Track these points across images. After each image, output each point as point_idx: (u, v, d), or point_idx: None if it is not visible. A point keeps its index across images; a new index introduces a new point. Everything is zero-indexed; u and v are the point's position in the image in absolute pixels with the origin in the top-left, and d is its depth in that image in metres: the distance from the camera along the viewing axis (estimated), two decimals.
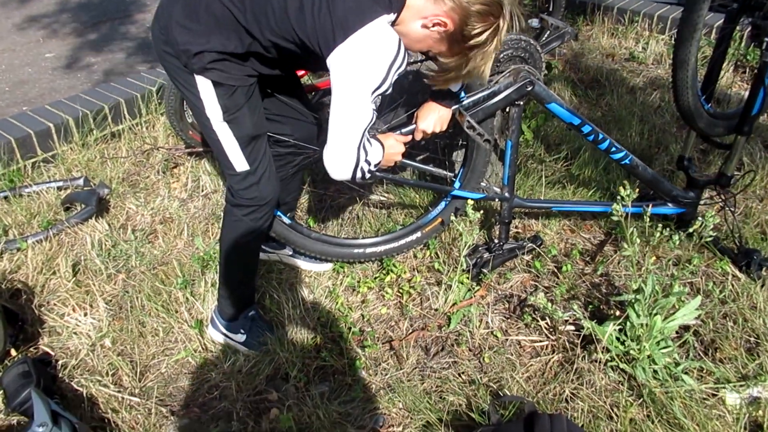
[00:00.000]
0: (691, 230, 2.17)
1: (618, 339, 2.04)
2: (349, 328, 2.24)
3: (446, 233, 2.59)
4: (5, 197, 2.89)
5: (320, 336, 2.21)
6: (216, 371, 2.11)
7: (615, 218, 2.01)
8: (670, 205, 2.53)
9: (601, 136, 2.32)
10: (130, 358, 2.17)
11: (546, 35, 4.00)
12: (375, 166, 1.87)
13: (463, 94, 2.22)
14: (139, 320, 2.29)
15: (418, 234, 2.50)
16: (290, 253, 2.52)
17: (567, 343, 2.12)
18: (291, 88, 2.15)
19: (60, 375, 2.10)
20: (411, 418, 1.92)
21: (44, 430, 1.67)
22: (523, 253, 2.51)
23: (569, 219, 2.73)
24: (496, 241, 2.44)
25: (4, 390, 1.92)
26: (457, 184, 2.45)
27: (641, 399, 1.92)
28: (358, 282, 2.45)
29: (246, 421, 1.94)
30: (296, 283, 2.46)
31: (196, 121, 1.93)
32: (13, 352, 2.14)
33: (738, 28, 2.53)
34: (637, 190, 2.07)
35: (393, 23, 1.65)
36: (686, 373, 1.99)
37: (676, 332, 2.11)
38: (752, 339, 2.14)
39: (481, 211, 2.33)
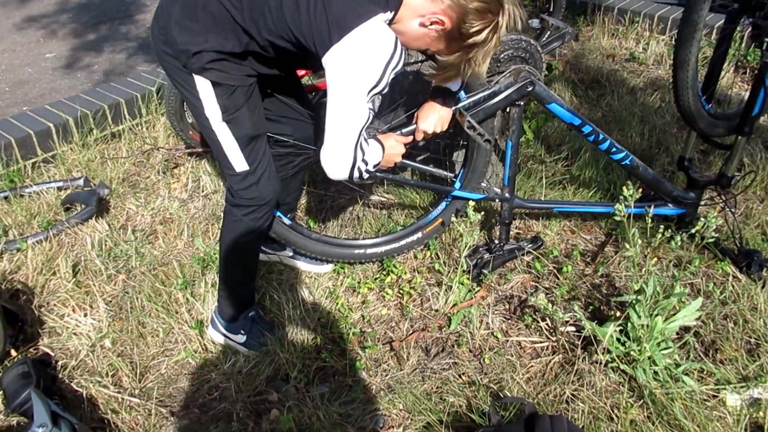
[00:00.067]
0: (693, 231, 2.17)
1: (618, 340, 2.04)
2: (350, 329, 2.24)
3: (447, 234, 2.59)
4: (5, 197, 2.89)
5: (320, 337, 2.21)
6: (216, 372, 2.11)
7: (617, 218, 2.01)
8: (670, 205, 2.53)
9: (601, 137, 2.32)
10: (130, 358, 2.17)
11: (546, 36, 4.01)
12: (374, 167, 1.87)
13: (463, 94, 2.22)
14: (139, 321, 2.29)
15: (419, 234, 2.50)
16: (290, 254, 2.52)
17: (567, 344, 2.12)
18: (291, 89, 2.15)
19: (60, 376, 2.09)
20: (411, 419, 1.92)
21: (44, 431, 1.67)
22: (524, 254, 2.51)
23: (570, 220, 2.73)
24: (496, 241, 2.44)
25: (4, 390, 1.92)
26: (457, 185, 2.45)
27: (642, 400, 1.92)
28: (359, 283, 2.45)
29: (246, 422, 1.94)
30: (296, 284, 2.46)
31: (196, 121, 1.93)
32: (13, 353, 2.14)
33: (738, 28, 2.53)
34: (640, 190, 2.07)
35: (391, 21, 1.65)
36: (687, 374, 1.99)
37: (677, 333, 2.11)
38: (753, 340, 2.14)
39: (482, 212, 2.32)
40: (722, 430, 1.82)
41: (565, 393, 1.95)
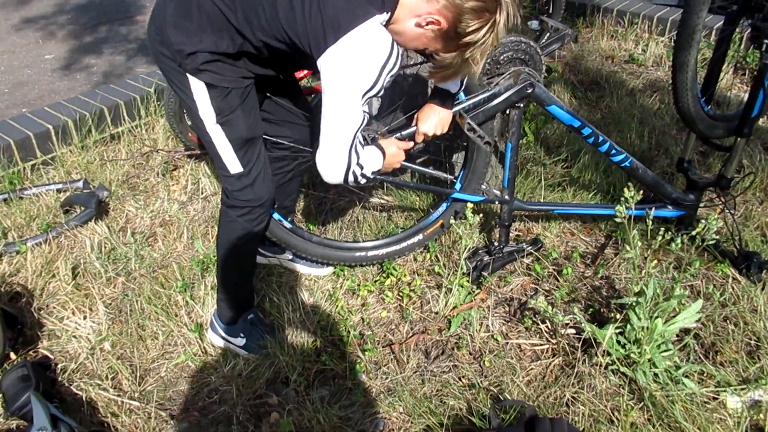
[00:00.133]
0: (693, 233, 2.17)
1: (619, 342, 2.04)
2: (349, 332, 2.23)
3: (446, 236, 2.59)
4: (5, 200, 2.89)
5: (320, 339, 2.21)
6: (216, 375, 2.11)
7: (618, 221, 2.01)
8: (670, 207, 2.53)
9: (601, 139, 2.32)
10: (130, 361, 2.16)
11: (546, 37, 4.00)
12: (373, 173, 1.87)
13: (463, 95, 2.22)
14: (139, 324, 2.28)
15: (420, 236, 2.50)
16: (290, 257, 2.52)
17: (567, 347, 2.12)
18: (289, 90, 2.15)
19: (59, 379, 2.09)
20: (411, 423, 1.92)
21: None
22: (524, 256, 2.50)
23: (569, 222, 2.73)
24: (496, 244, 2.44)
25: (4, 394, 1.91)
26: (457, 186, 2.45)
27: (642, 403, 1.92)
28: (358, 285, 2.44)
29: (246, 425, 1.94)
30: (296, 287, 2.46)
31: (191, 122, 1.92)
32: (13, 356, 2.14)
33: (737, 30, 2.53)
34: (640, 192, 2.07)
35: (388, 22, 1.64)
36: (687, 376, 1.99)
37: (677, 335, 2.11)
38: (753, 342, 2.14)
39: (481, 214, 2.32)
40: None
41: (565, 396, 1.95)
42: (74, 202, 2.84)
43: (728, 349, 2.11)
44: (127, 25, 5.31)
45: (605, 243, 2.63)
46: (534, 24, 4.29)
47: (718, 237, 2.32)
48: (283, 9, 1.60)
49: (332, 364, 2.11)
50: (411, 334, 2.25)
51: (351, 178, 1.78)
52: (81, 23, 5.33)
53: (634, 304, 2.00)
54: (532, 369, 2.08)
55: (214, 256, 2.51)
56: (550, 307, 2.10)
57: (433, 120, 2.10)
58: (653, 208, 2.24)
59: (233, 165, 1.87)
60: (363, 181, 1.83)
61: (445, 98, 2.11)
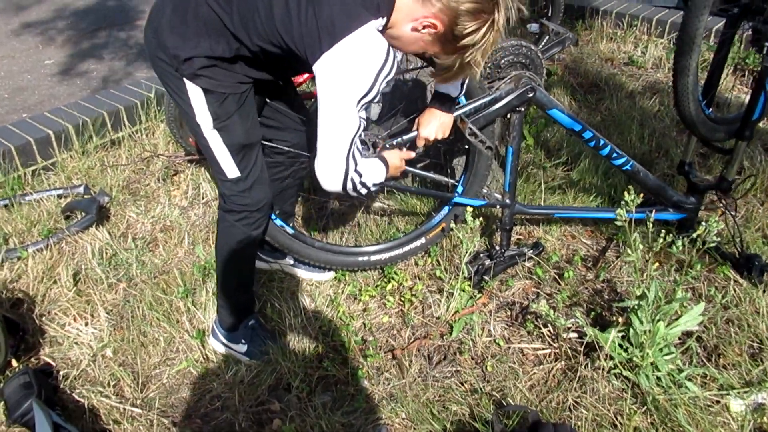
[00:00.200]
0: (694, 236, 2.17)
1: (621, 346, 2.04)
2: (351, 337, 2.23)
3: (447, 240, 2.59)
4: (5, 205, 2.89)
5: (322, 345, 2.20)
6: (218, 381, 2.11)
7: (618, 224, 2.00)
8: (671, 210, 2.53)
9: (602, 142, 2.32)
10: (132, 368, 2.16)
11: (545, 40, 4.00)
12: (375, 185, 1.86)
13: (463, 99, 2.22)
14: (141, 330, 2.28)
15: (422, 240, 2.50)
16: (291, 262, 2.51)
17: (570, 351, 2.11)
18: (286, 95, 2.14)
19: (61, 386, 2.09)
20: (414, 428, 1.91)
21: None
22: (525, 260, 2.50)
23: (570, 225, 2.73)
24: (497, 248, 2.44)
25: (5, 401, 1.91)
26: (459, 189, 2.45)
27: (645, 407, 1.91)
28: (360, 290, 2.44)
29: None
30: (298, 292, 2.46)
31: (188, 127, 1.92)
32: (14, 363, 2.14)
33: (738, 32, 2.53)
34: (641, 195, 2.07)
35: (385, 27, 1.63)
36: (690, 379, 1.99)
37: (679, 338, 2.10)
38: (756, 344, 2.14)
39: (481, 218, 2.32)
40: None
41: (568, 400, 1.95)
42: (75, 207, 2.84)
43: (731, 351, 2.10)
44: (126, 30, 5.31)
45: (606, 246, 2.63)
46: (533, 27, 4.29)
47: (719, 239, 2.33)
48: (279, 14, 1.59)
49: (334, 370, 2.11)
50: (413, 339, 2.24)
51: (350, 185, 1.77)
52: (80, 28, 5.34)
53: (636, 307, 2.00)
54: (534, 373, 2.08)
55: (215, 262, 2.51)
56: (552, 311, 2.10)
57: (434, 125, 2.10)
58: (654, 211, 2.24)
59: (230, 170, 1.87)
60: (364, 191, 1.82)
61: (446, 102, 2.11)
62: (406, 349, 2.20)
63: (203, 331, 2.27)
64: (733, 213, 2.57)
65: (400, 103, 2.55)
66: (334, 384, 2.09)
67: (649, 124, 3.42)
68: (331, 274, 2.52)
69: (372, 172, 1.85)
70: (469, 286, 2.37)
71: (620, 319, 2.10)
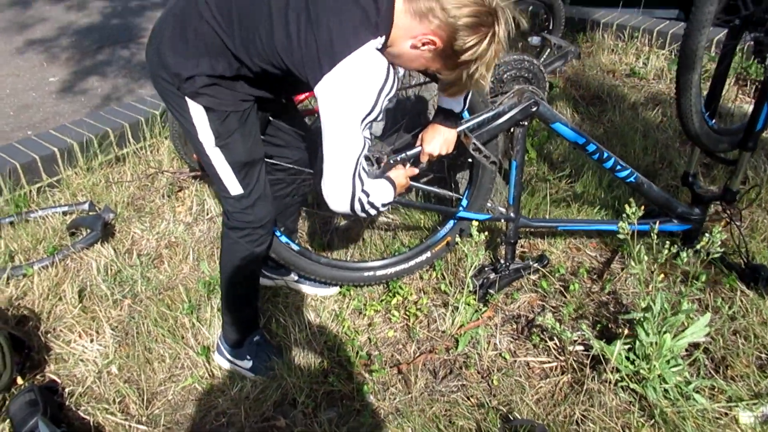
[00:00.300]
0: (698, 246, 2.16)
1: (627, 358, 2.02)
2: (357, 352, 2.22)
3: (452, 254, 2.59)
4: (11, 222, 2.90)
5: (327, 360, 2.20)
6: (223, 398, 2.10)
7: (621, 237, 2.00)
8: (675, 221, 2.52)
9: (606, 155, 2.33)
10: (137, 385, 2.16)
11: (547, 54, 4.03)
12: (384, 205, 1.86)
13: (467, 114, 2.23)
14: (146, 346, 2.28)
15: (428, 254, 2.49)
16: (296, 278, 2.51)
17: (576, 364, 2.10)
18: (288, 112, 2.16)
19: (67, 403, 2.09)
20: None
21: None
22: (530, 273, 2.50)
23: (575, 237, 2.73)
24: (502, 261, 2.43)
25: (11, 419, 1.91)
26: (464, 203, 2.45)
27: (653, 419, 1.90)
28: (365, 305, 2.44)
29: None
30: (302, 307, 2.45)
31: (191, 145, 1.93)
32: (20, 380, 2.13)
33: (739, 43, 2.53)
34: (643, 207, 2.07)
35: (384, 45, 1.63)
36: (698, 391, 1.98)
37: (686, 350, 2.09)
38: (764, 356, 2.12)
39: (486, 232, 2.32)
40: None
41: (575, 414, 1.94)
42: (80, 224, 2.85)
43: (739, 363, 2.09)
44: (130, 47, 5.36)
45: (611, 258, 2.62)
46: (535, 40, 4.31)
47: (723, 250, 2.32)
48: (279, 36, 1.60)
49: (340, 386, 2.10)
50: (418, 354, 2.24)
51: (358, 206, 1.76)
52: (84, 46, 5.38)
53: (641, 319, 1.99)
54: (541, 387, 2.07)
55: (219, 278, 2.51)
56: (557, 324, 2.09)
57: (438, 140, 2.11)
58: (658, 223, 2.23)
59: (233, 187, 1.88)
60: (373, 211, 1.81)
61: (449, 118, 2.11)
62: (411, 363, 2.19)
63: (208, 347, 2.26)
64: (738, 223, 2.56)
65: (403, 118, 2.56)
66: (339, 399, 2.08)
67: (652, 136, 3.43)
68: (336, 289, 2.52)
69: (380, 192, 1.84)
70: (475, 299, 2.36)
71: (626, 331, 2.09)
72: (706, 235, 2.02)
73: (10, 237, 2.83)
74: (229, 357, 2.17)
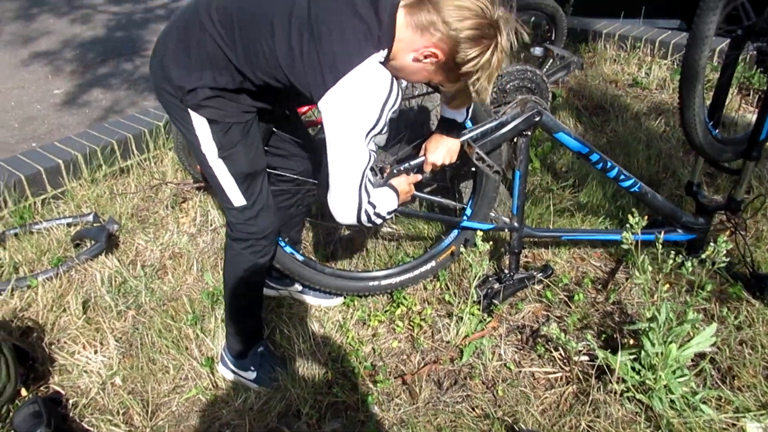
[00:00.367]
0: (703, 256, 2.15)
1: (633, 368, 2.02)
2: (361, 363, 2.22)
3: (456, 264, 2.58)
4: (16, 234, 2.90)
5: (331, 371, 2.19)
6: (227, 409, 2.09)
7: (625, 247, 2.00)
8: (680, 231, 2.52)
9: (609, 164, 2.33)
10: (141, 396, 2.15)
11: (549, 64, 4.03)
12: (389, 213, 1.86)
13: (470, 124, 2.23)
14: (150, 357, 2.28)
15: (432, 263, 2.49)
16: (299, 288, 2.51)
17: (581, 374, 2.09)
18: (291, 124, 2.16)
19: (71, 414, 2.08)
20: None
21: None
22: (534, 283, 2.49)
23: (579, 246, 2.72)
24: (506, 271, 2.43)
25: (15, 430, 1.91)
26: (468, 212, 2.45)
27: (659, 430, 1.89)
28: (369, 315, 2.43)
29: None
30: (306, 318, 2.45)
31: (194, 156, 1.94)
32: (24, 392, 2.13)
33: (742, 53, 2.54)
34: (646, 217, 2.06)
35: (387, 59, 1.64)
36: (704, 402, 1.96)
37: (692, 360, 2.09)
38: None
39: (490, 242, 2.32)
40: None
41: (581, 424, 1.93)
42: (84, 236, 2.86)
43: (745, 373, 2.08)
44: (133, 60, 5.38)
45: (616, 267, 2.61)
46: (537, 51, 4.32)
47: (728, 260, 2.31)
48: (282, 51, 1.60)
49: (344, 396, 2.09)
50: (423, 364, 2.23)
51: (364, 218, 1.77)
52: (88, 59, 5.41)
53: (647, 329, 1.98)
54: (546, 397, 2.06)
55: (223, 289, 2.51)
56: (562, 334, 2.09)
57: (442, 150, 2.11)
58: (663, 232, 2.23)
59: (236, 198, 1.88)
60: (379, 221, 1.82)
61: (453, 128, 2.12)
62: (416, 374, 2.18)
63: (212, 358, 2.26)
64: (743, 233, 2.56)
65: (406, 128, 2.57)
66: (344, 410, 2.07)
67: (655, 145, 3.42)
68: (340, 300, 2.52)
69: (384, 201, 1.85)
70: (479, 309, 2.36)
71: (631, 342, 2.09)
72: (711, 244, 2.02)
73: (14, 249, 2.84)
74: (233, 368, 2.17)
